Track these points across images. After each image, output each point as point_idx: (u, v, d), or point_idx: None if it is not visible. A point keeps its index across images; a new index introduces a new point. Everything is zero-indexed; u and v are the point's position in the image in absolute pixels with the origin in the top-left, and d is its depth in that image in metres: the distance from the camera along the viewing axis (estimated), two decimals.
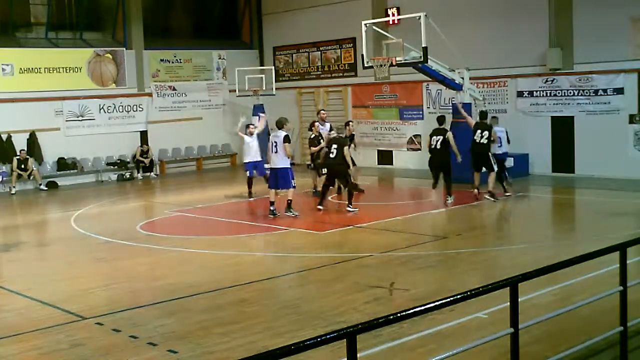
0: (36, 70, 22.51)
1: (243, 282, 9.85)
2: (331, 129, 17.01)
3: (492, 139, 15.87)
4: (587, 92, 19.06)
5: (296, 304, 8.74)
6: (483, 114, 16.48)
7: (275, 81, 25.41)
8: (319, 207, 15.21)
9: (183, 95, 25.88)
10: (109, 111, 24.01)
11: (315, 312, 8.26)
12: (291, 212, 14.65)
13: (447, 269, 10.33)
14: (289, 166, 14.62)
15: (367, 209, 15.66)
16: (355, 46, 23.98)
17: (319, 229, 13.79)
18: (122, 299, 9.19)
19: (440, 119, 16.05)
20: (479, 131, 15.92)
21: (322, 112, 18.18)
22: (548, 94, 19.81)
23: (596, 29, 18.63)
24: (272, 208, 14.69)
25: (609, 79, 18.61)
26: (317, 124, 16.96)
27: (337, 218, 14.80)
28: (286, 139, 14.40)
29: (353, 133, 17.35)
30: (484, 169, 16.05)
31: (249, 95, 25.03)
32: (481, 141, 15.88)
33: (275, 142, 14.40)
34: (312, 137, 16.76)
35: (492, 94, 20.92)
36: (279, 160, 14.42)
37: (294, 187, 14.75)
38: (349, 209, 15.03)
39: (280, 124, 14.65)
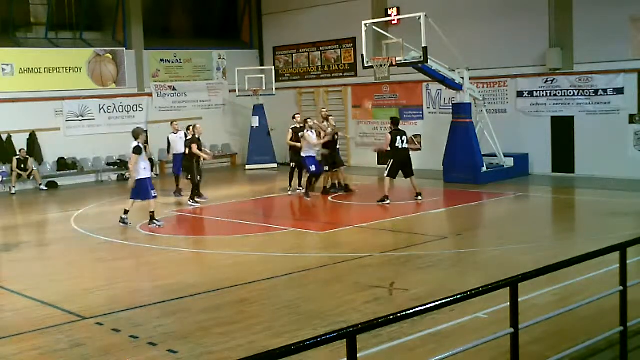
0: (36, 70, 22.50)
1: (243, 282, 9.85)
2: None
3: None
4: (587, 92, 19.04)
5: (296, 304, 8.73)
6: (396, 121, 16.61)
7: (275, 81, 25.43)
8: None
9: (183, 95, 25.87)
10: (109, 111, 23.99)
11: (315, 312, 8.26)
12: (155, 223, 14.36)
13: (447, 269, 10.33)
14: (147, 177, 14.33)
15: (367, 209, 15.66)
16: (355, 46, 23.96)
17: (319, 229, 13.80)
18: (122, 299, 9.19)
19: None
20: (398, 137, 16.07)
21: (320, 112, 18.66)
22: (548, 94, 19.80)
23: (596, 29, 18.62)
24: (124, 217, 14.56)
25: (609, 79, 18.59)
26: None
27: (337, 218, 14.80)
28: (136, 150, 14.03)
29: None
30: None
31: (249, 95, 25.04)
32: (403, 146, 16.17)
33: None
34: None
35: (492, 94, 20.90)
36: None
37: (155, 197, 14.54)
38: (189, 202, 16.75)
39: (135, 135, 14.33)
